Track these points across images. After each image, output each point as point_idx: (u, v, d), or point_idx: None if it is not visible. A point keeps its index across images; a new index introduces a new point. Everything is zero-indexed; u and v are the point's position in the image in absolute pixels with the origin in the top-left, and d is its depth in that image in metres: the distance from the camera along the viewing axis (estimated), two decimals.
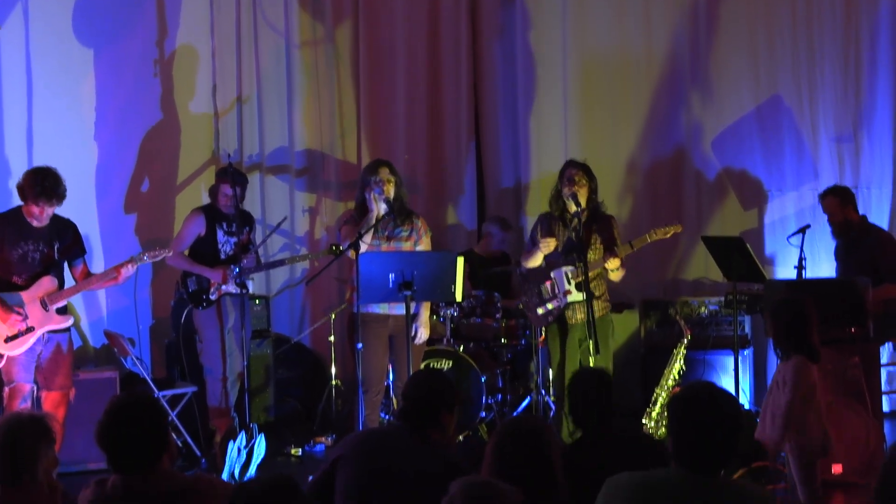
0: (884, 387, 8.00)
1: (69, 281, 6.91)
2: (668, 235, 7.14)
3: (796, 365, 5.39)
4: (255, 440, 6.78)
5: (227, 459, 6.73)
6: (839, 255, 8.00)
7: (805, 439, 5.43)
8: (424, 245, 7.12)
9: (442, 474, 3.92)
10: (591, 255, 7.00)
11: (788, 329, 5.47)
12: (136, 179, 8.79)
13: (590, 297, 6.74)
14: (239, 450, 6.66)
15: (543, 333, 7.63)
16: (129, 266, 6.79)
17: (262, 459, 6.82)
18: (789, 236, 8.07)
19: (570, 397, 4.69)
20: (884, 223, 8.51)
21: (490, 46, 9.56)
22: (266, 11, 9.13)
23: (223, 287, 7.50)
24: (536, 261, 7.24)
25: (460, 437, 7.87)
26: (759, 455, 6.31)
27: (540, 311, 7.20)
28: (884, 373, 8.02)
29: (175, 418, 7.53)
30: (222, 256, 7.60)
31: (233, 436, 6.92)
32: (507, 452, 3.62)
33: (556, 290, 7.11)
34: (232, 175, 7.59)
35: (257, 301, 8.57)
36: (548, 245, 7.13)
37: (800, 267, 7.69)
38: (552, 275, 7.13)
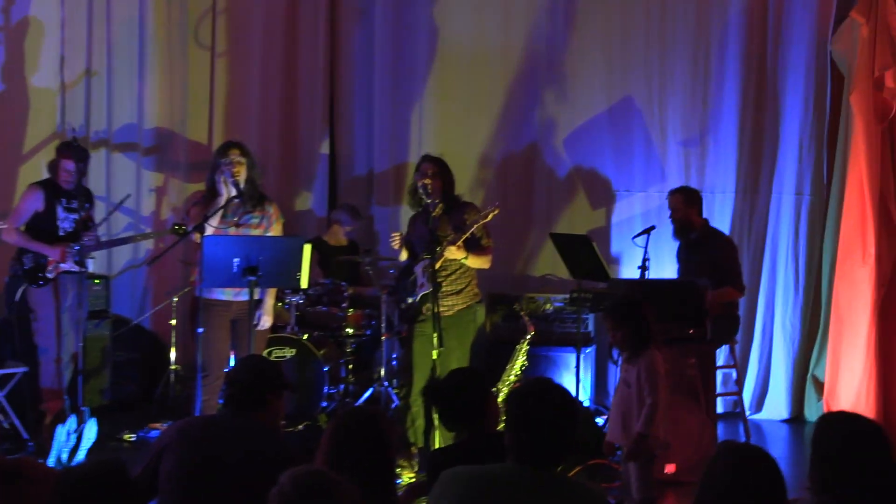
0: (718, 388, 8.19)
1: None
2: (489, 219, 6.98)
3: (650, 361, 5.42)
4: (85, 424, 6.58)
5: (55, 443, 6.52)
6: (680, 256, 8.16)
7: (650, 436, 5.47)
8: (275, 232, 6.96)
9: (273, 458, 3.85)
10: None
11: (638, 330, 5.48)
12: None
13: (435, 290, 6.69)
14: (68, 434, 6.46)
15: (407, 329, 7.44)
16: None
17: (93, 444, 6.62)
18: (634, 236, 8.18)
19: (443, 400, 4.52)
20: (725, 228, 8.68)
21: (349, 32, 9.52)
22: None
23: (62, 265, 7.26)
24: (402, 255, 7.21)
25: (300, 427, 7.79)
26: (595, 453, 6.37)
27: (403, 306, 7.16)
28: (719, 375, 8.21)
29: (2, 399, 7.26)
30: (61, 233, 7.35)
31: (62, 419, 6.71)
32: (343, 441, 3.56)
33: (416, 284, 7.07)
34: (74, 150, 7.34)
35: (96, 280, 8.35)
36: (393, 240, 7.12)
37: (643, 267, 7.81)
38: (415, 269, 7.08)
